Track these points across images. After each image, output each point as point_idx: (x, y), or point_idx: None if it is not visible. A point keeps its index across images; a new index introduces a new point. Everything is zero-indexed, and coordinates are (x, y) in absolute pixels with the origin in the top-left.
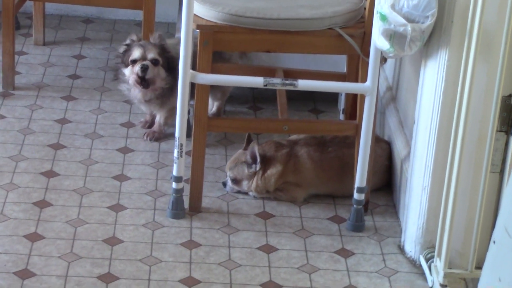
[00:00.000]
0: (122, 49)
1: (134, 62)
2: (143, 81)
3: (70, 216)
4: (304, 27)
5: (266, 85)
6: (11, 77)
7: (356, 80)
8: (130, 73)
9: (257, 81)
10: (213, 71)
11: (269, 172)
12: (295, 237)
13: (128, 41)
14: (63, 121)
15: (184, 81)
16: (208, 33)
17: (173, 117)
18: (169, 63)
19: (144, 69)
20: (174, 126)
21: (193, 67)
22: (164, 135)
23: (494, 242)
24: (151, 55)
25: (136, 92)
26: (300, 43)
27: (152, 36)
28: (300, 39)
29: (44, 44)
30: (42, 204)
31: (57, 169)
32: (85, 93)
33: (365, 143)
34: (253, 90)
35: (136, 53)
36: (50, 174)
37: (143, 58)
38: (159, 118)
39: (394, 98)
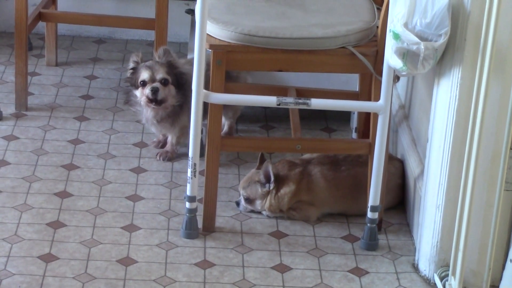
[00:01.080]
0: (128, 73)
1: (143, 84)
2: (155, 101)
3: (84, 236)
4: (317, 46)
5: (279, 104)
6: (24, 98)
7: (368, 99)
8: (141, 94)
9: (270, 101)
10: (225, 90)
11: (282, 191)
12: (309, 256)
13: (132, 64)
14: (76, 142)
15: (197, 101)
16: (221, 53)
17: (185, 136)
18: (178, 79)
19: (155, 91)
20: (186, 145)
21: (205, 87)
22: (177, 155)
23: (511, 260)
24: (159, 75)
25: (148, 113)
26: (313, 62)
27: (157, 53)
28: (312, 58)
29: (57, 64)
30: (56, 224)
31: (71, 190)
32: (98, 113)
33: (378, 161)
34: (265, 109)
35: (144, 75)
36: (63, 194)
37: (152, 79)
38: (171, 138)
39: (406, 116)
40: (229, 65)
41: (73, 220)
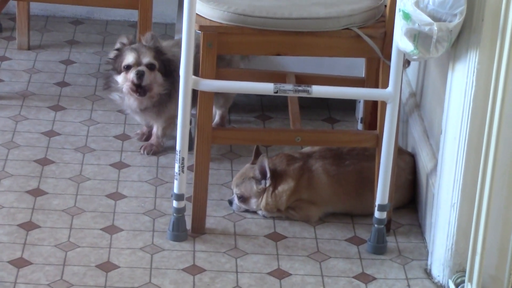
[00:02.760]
0: (112, 54)
1: (127, 68)
2: (139, 88)
3: (60, 239)
4: (318, 27)
5: (276, 92)
6: None
7: (376, 86)
8: (123, 80)
9: (267, 88)
10: (217, 76)
11: (280, 188)
12: (310, 261)
13: (118, 45)
14: (50, 134)
15: (185, 88)
16: (212, 35)
17: (171, 127)
18: (166, 66)
19: (140, 75)
20: (173, 138)
21: (195, 73)
22: (162, 148)
23: None
24: (146, 59)
25: (131, 101)
26: (314, 45)
27: (144, 37)
28: (313, 41)
29: (29, 48)
30: (29, 226)
31: (45, 187)
32: (75, 102)
33: (386, 155)
34: (261, 97)
35: (129, 58)
36: (37, 192)
37: (138, 63)
38: (156, 129)
39: (418, 105)
40: (221, 48)
41: (48, 220)
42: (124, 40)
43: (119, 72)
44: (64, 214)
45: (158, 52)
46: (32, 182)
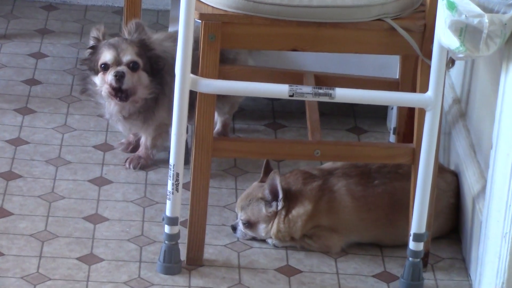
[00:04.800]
0: (87, 53)
1: (105, 68)
2: (120, 92)
3: (27, 269)
4: (344, 17)
5: (292, 96)
6: None
7: (413, 90)
8: (102, 82)
9: (280, 90)
10: (220, 75)
11: (294, 212)
12: None
13: (91, 42)
14: (17, 142)
15: (182, 89)
16: (215, 25)
17: (162, 136)
18: (153, 64)
19: (120, 77)
20: (166, 149)
21: (194, 71)
22: (152, 162)
23: None
24: (127, 57)
25: (111, 107)
26: (338, 40)
27: (127, 28)
28: (338, 34)
29: None
30: None
31: (9, 207)
32: (47, 104)
33: (424, 174)
34: (273, 101)
35: (106, 56)
36: (0, 213)
37: (117, 62)
38: (145, 139)
39: (463, 114)
40: (226, 41)
41: (13, 247)
42: (95, 33)
43: (96, 72)
44: (33, 240)
45: (143, 47)
46: None
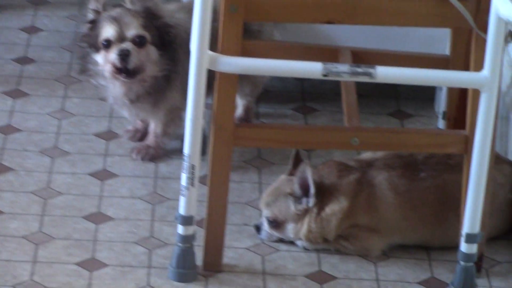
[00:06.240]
0: (86, 28)
1: (107, 45)
2: (125, 70)
3: (19, 276)
4: None
5: (326, 75)
6: None
7: (465, 68)
8: (104, 61)
9: (312, 69)
10: (242, 52)
11: (328, 209)
12: None
13: (90, 16)
14: (7, 130)
15: (198, 68)
16: None
17: (175, 123)
18: (162, 35)
19: (124, 56)
20: (179, 137)
21: (212, 47)
22: (163, 152)
23: None
24: (131, 31)
25: (115, 89)
26: (379, 10)
27: None
28: (379, 4)
29: None
30: None
31: None
32: (41, 85)
33: (478, 165)
34: (303, 82)
35: (108, 30)
36: None
37: (120, 37)
38: (154, 125)
39: None
40: (250, 13)
41: (3, 251)
42: (94, 5)
43: (97, 50)
44: (26, 242)
45: (149, 17)
46: None
